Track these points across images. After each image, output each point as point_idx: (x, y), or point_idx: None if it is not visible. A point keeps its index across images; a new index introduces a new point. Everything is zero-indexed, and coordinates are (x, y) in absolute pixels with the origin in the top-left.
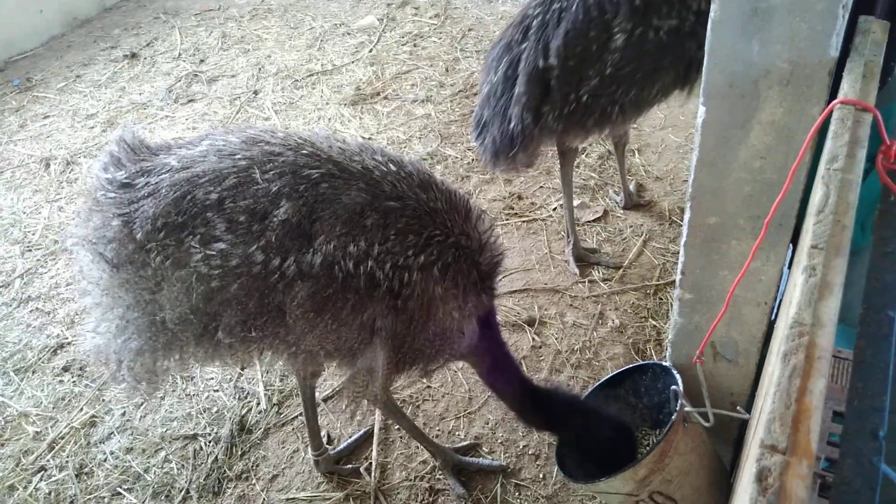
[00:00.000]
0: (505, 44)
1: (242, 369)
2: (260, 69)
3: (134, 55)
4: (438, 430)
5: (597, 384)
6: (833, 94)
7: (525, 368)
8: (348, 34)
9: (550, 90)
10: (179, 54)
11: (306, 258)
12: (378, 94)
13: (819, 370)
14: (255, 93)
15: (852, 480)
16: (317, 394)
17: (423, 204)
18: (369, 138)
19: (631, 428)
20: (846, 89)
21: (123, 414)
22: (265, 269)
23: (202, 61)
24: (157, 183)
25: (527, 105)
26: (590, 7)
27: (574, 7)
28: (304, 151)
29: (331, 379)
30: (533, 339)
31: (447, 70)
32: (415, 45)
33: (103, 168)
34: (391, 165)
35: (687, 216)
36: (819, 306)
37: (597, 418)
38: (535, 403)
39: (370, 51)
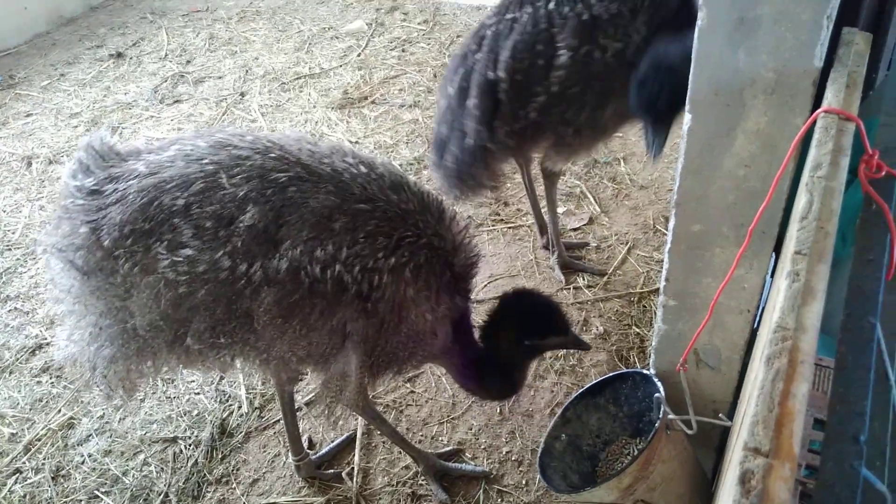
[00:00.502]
0: (461, 55)
1: (223, 373)
2: (247, 71)
3: (120, 55)
4: (422, 436)
5: (577, 394)
6: (816, 104)
7: None
8: (337, 38)
9: (500, 104)
10: (166, 55)
11: (272, 263)
12: (366, 98)
13: (802, 374)
14: (242, 95)
15: (834, 484)
16: (299, 398)
17: (394, 205)
18: (356, 142)
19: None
20: (830, 99)
21: (102, 416)
22: (232, 275)
23: (189, 62)
24: (124, 189)
25: (480, 119)
26: (539, 19)
27: (524, 18)
28: (273, 155)
29: (313, 383)
30: None
31: (435, 76)
32: (403, 51)
33: (72, 175)
34: (362, 167)
35: (671, 223)
36: (802, 311)
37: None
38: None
39: (358, 55)
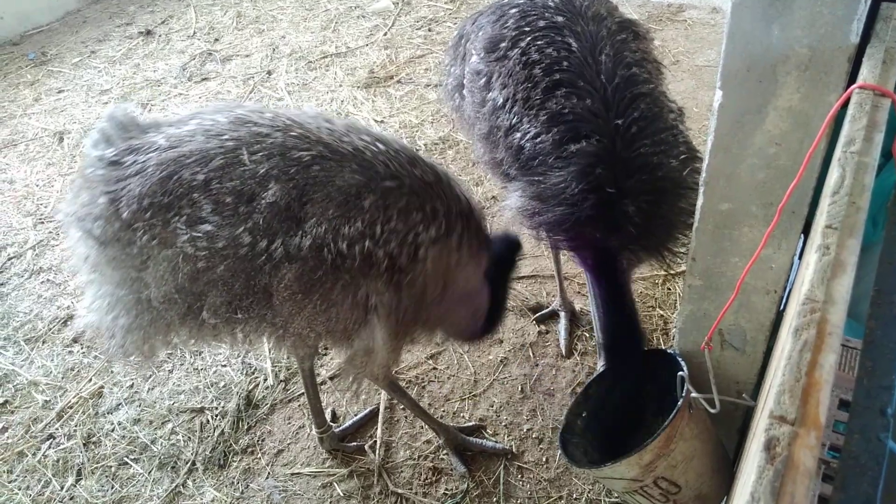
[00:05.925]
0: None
1: (236, 349)
2: (274, 49)
3: (149, 32)
4: (443, 412)
5: (600, 371)
6: (851, 82)
7: (531, 354)
8: (363, 17)
9: None
10: (194, 33)
11: (294, 240)
12: (391, 77)
13: (830, 345)
14: (269, 73)
15: (859, 455)
16: (324, 372)
17: (416, 180)
18: (381, 121)
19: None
20: (865, 74)
21: (131, 386)
22: (252, 251)
23: (217, 40)
24: (144, 161)
25: None
26: None
27: None
28: (293, 133)
29: (338, 357)
30: (539, 325)
31: None
32: (429, 30)
33: (93, 145)
34: (379, 144)
35: (700, 202)
36: (832, 284)
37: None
38: None
39: (385, 34)
